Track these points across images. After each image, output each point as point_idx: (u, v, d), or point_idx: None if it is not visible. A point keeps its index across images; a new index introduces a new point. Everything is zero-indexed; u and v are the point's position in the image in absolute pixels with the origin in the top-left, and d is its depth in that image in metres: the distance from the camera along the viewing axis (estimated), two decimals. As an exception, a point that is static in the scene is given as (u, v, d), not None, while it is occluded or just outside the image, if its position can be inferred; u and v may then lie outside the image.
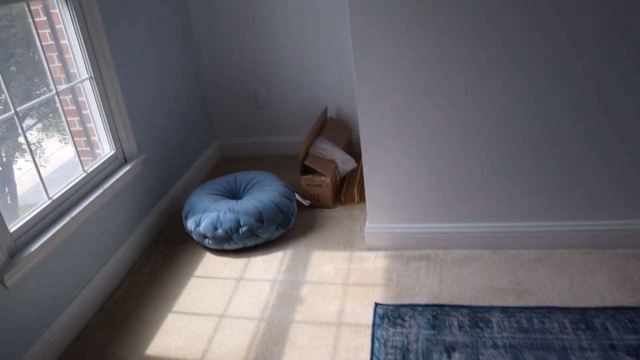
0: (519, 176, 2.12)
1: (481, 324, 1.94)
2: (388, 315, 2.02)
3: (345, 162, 2.77)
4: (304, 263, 2.33)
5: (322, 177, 2.64)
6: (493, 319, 1.96)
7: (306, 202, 2.67)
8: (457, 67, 1.95)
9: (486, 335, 1.90)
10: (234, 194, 2.66)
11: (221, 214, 2.40)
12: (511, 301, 2.01)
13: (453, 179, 2.16)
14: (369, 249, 2.37)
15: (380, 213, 2.29)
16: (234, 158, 3.45)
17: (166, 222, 2.76)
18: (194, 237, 2.47)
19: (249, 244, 2.42)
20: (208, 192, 2.59)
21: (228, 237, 2.38)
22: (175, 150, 2.89)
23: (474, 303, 2.03)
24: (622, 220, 2.13)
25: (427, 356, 1.83)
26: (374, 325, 1.98)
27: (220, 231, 2.37)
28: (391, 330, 1.96)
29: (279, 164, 3.28)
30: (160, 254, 2.51)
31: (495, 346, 1.84)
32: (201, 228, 2.41)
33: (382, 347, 1.88)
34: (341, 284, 2.18)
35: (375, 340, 1.91)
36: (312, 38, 3.02)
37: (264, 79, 3.15)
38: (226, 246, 2.42)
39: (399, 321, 1.99)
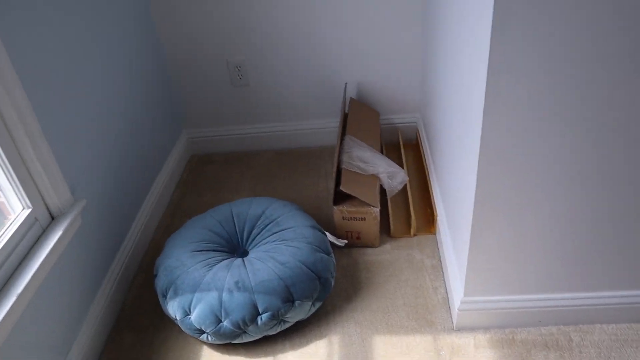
0: None
1: None
2: None
3: (392, 177, 1.86)
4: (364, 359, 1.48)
5: (368, 208, 1.74)
6: None
7: (341, 243, 1.78)
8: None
9: None
10: (234, 244, 1.72)
11: (225, 295, 1.48)
12: None
13: (588, 235, 1.33)
14: (460, 329, 1.54)
15: (482, 282, 1.44)
16: (211, 157, 2.43)
17: (129, 286, 1.80)
18: (183, 329, 1.55)
19: (271, 333, 1.54)
20: (193, 248, 1.64)
21: (240, 330, 1.48)
22: (132, 167, 1.88)
23: None
24: None
25: None
26: None
27: (226, 324, 1.47)
28: None
29: (278, 165, 2.32)
30: (127, 353, 1.58)
31: None
32: (194, 319, 1.49)
33: None
34: (438, 407, 1.36)
35: None
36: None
37: (251, 46, 2.11)
38: (237, 340, 1.52)
39: None
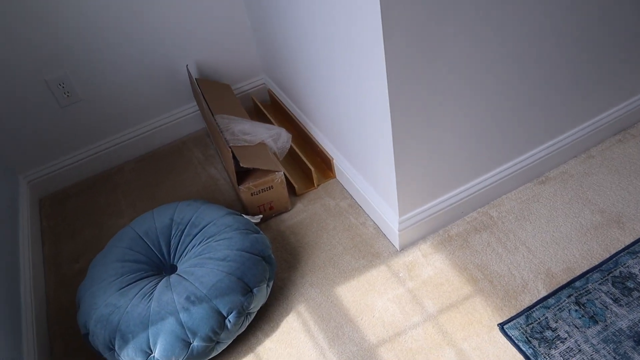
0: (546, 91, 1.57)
1: (630, 284, 1.46)
2: (529, 334, 1.38)
3: (276, 139, 1.83)
4: (341, 314, 1.49)
5: (272, 175, 1.70)
6: (633, 270, 1.48)
7: (257, 219, 1.72)
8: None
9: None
10: (158, 265, 1.56)
11: (183, 316, 1.35)
12: (620, 235, 1.55)
13: (487, 122, 1.50)
14: (404, 248, 1.63)
15: (411, 196, 1.53)
16: (65, 192, 2.09)
17: None
18: (147, 372, 1.39)
19: (242, 331, 1.46)
20: (118, 286, 1.45)
21: (213, 343, 1.38)
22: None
23: (594, 258, 1.51)
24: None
25: (626, 359, 1.29)
26: (527, 357, 1.34)
27: (197, 343, 1.35)
28: (554, 351, 1.34)
29: (146, 173, 2.12)
30: None
31: None
32: (159, 355, 1.34)
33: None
34: (422, 320, 1.44)
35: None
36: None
37: (69, 56, 1.85)
38: (213, 354, 1.41)
39: (549, 333, 1.38)
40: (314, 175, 1.84)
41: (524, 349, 1.36)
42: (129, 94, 2.03)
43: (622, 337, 1.35)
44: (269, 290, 1.51)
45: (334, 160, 1.84)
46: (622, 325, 1.37)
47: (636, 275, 1.47)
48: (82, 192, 2.10)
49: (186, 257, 1.53)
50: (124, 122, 2.09)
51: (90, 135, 2.07)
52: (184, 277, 1.44)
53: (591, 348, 1.34)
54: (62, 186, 2.12)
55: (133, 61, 1.97)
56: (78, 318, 1.46)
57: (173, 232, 1.59)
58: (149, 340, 1.34)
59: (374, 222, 1.71)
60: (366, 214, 1.74)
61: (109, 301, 1.42)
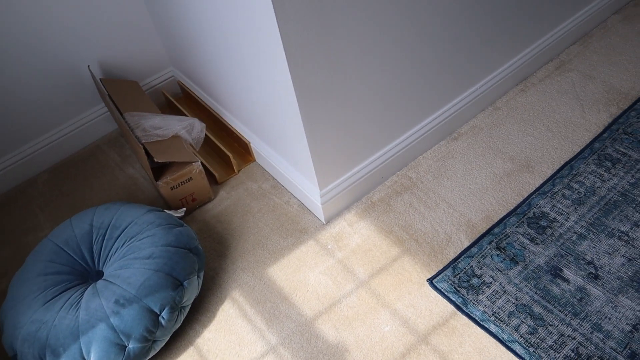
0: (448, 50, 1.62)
1: (543, 222, 1.54)
2: (457, 284, 1.44)
3: (190, 129, 1.80)
4: (275, 294, 1.50)
5: (189, 166, 1.68)
6: (545, 209, 1.56)
7: (181, 213, 1.69)
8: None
9: (561, 230, 1.51)
10: (82, 273, 1.51)
11: (114, 320, 1.32)
12: (530, 179, 1.64)
13: (393, 88, 1.53)
14: (329, 220, 1.65)
15: (329, 171, 1.55)
16: None
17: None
18: (84, 382, 1.35)
19: (177, 326, 1.44)
20: (42, 300, 1.39)
21: (149, 342, 1.36)
22: None
23: (510, 203, 1.59)
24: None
25: (546, 293, 1.37)
26: (457, 306, 1.40)
27: (133, 344, 1.32)
28: (481, 297, 1.41)
29: (62, 182, 2.03)
30: None
31: (582, 237, 1.47)
32: (95, 363, 1.31)
33: (501, 324, 1.33)
34: (355, 287, 1.47)
35: (483, 323, 1.34)
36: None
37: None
38: (152, 353, 1.39)
39: (475, 281, 1.45)
40: (233, 161, 1.82)
41: (453, 299, 1.42)
42: (32, 103, 1.94)
43: (541, 273, 1.43)
44: (201, 281, 1.50)
45: (251, 144, 1.83)
46: (539, 262, 1.46)
47: (548, 214, 1.56)
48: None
49: (111, 260, 1.49)
50: (31, 132, 2.00)
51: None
52: (110, 281, 1.40)
53: (514, 287, 1.42)
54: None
55: (31, 68, 1.87)
56: (3, 341, 1.40)
57: (94, 238, 1.54)
58: (81, 350, 1.31)
59: (298, 200, 1.72)
60: (289, 192, 1.75)
61: (35, 317, 1.37)
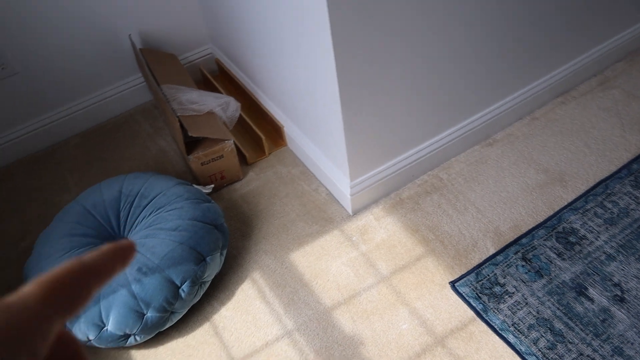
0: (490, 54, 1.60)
1: (572, 239, 1.52)
2: (479, 290, 1.43)
3: (225, 107, 1.80)
4: (295, 280, 1.50)
5: (222, 144, 1.68)
6: (575, 226, 1.54)
7: (209, 189, 1.70)
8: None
9: (589, 249, 1.49)
10: (108, 238, 1.52)
11: (135, 287, 1.33)
12: (563, 193, 1.61)
13: (434, 87, 1.52)
14: (356, 212, 1.64)
15: (362, 163, 1.54)
16: (6, 170, 1.98)
17: None
18: (99, 345, 1.36)
19: (196, 300, 1.45)
20: (69, 259, 1.42)
21: (167, 313, 1.36)
22: None
23: (539, 215, 1.57)
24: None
25: (569, 310, 1.35)
26: (477, 313, 1.38)
27: (151, 314, 1.33)
28: (502, 305, 1.39)
29: (93, 148, 2.05)
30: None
31: (611, 258, 1.45)
32: (113, 327, 1.31)
33: (520, 336, 1.32)
34: (376, 282, 1.46)
35: (502, 332, 1.33)
36: None
37: (2, 26, 1.76)
38: (168, 324, 1.40)
39: (497, 289, 1.43)
40: (265, 143, 1.82)
41: (474, 304, 1.41)
42: (70, 67, 1.95)
43: (565, 289, 1.41)
44: (223, 258, 1.51)
45: (284, 128, 1.83)
46: (565, 277, 1.43)
47: (577, 230, 1.54)
48: (24, 170, 2.01)
49: (137, 228, 1.50)
50: (66, 95, 2.01)
51: (30, 110, 1.98)
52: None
53: (537, 300, 1.40)
54: (2, 164, 2.03)
55: (73, 32, 1.88)
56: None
57: (122, 205, 1.55)
58: (100, 313, 1.32)
59: (326, 188, 1.71)
60: (318, 180, 1.74)
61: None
